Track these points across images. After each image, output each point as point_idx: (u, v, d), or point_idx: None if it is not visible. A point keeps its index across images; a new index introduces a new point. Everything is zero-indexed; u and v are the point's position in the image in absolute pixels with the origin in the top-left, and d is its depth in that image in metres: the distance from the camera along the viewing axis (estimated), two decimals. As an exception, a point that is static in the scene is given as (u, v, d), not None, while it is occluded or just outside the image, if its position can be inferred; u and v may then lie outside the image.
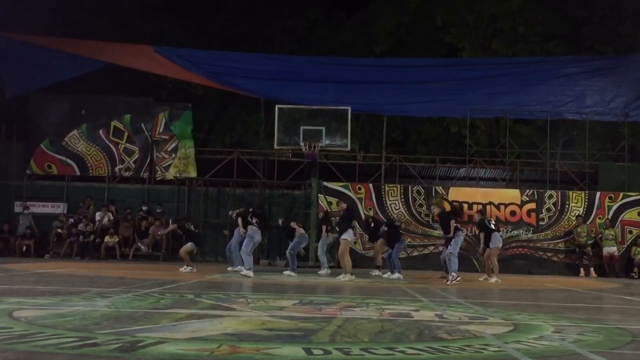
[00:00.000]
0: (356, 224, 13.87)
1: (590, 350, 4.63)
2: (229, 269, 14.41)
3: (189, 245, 14.01)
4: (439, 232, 18.53)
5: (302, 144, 18.06)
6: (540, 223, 19.09)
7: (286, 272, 13.57)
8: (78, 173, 20.98)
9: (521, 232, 18.97)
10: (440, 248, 16.00)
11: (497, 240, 14.23)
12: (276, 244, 19.30)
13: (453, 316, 6.68)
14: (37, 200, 20.55)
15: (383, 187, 19.58)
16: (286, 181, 20.65)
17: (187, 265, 13.74)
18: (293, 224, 14.43)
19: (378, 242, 15.22)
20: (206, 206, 20.41)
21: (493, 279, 13.76)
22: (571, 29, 26.00)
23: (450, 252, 12.93)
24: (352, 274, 12.79)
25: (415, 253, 18.85)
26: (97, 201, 20.33)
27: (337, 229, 13.71)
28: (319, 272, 14.68)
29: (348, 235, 12.84)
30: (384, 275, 14.15)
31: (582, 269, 18.35)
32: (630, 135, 22.00)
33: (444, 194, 19.16)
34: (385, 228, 14.73)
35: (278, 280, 12.22)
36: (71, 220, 19.72)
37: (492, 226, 14.50)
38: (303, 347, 4.37)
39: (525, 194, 19.43)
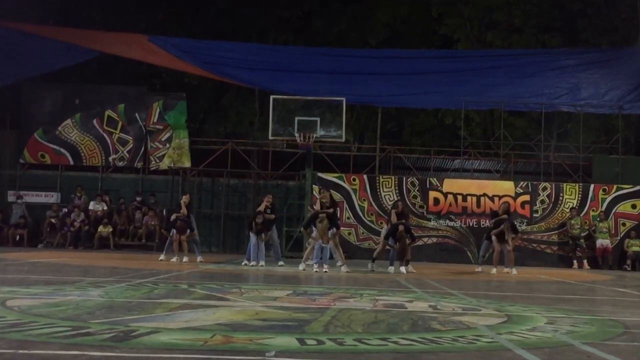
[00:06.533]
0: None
1: (583, 342, 4.65)
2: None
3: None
4: (433, 223, 18.69)
5: (296, 134, 18.00)
6: (534, 215, 19.11)
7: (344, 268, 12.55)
8: (72, 162, 20.92)
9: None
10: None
11: None
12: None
13: (446, 307, 6.70)
14: (31, 190, 20.47)
15: (377, 178, 19.55)
16: (280, 172, 20.60)
17: (179, 255, 13.73)
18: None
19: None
20: (200, 196, 20.35)
21: (513, 270, 14.03)
22: (566, 21, 26.00)
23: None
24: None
25: (410, 244, 18.84)
26: (91, 191, 20.27)
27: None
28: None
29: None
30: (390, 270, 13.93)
31: (575, 261, 18.38)
32: (624, 127, 22.03)
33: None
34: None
35: (272, 271, 12.22)
36: (64, 209, 19.67)
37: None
38: (297, 338, 4.37)
39: (519, 185, 19.42)
